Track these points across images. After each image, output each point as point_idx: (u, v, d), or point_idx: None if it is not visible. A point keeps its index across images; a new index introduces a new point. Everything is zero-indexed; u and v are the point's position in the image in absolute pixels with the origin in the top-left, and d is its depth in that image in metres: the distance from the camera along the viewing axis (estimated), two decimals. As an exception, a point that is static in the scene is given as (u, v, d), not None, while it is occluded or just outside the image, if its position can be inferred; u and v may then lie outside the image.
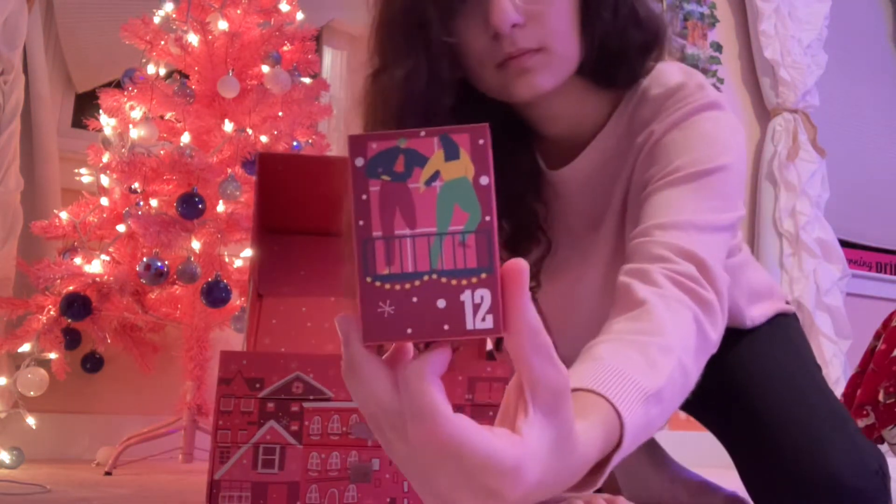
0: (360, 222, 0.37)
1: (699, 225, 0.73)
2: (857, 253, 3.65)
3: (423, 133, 0.37)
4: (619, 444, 0.50)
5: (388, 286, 0.37)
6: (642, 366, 0.58)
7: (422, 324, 0.37)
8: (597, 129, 0.89)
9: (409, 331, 0.37)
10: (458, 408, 0.94)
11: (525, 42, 0.78)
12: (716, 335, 0.68)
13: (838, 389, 2.78)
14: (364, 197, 0.37)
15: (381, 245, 0.37)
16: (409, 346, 0.40)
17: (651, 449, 1.23)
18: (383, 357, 0.41)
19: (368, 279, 0.37)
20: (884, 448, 2.10)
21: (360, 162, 0.37)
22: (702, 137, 0.80)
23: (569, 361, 0.73)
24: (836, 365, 2.95)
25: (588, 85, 0.87)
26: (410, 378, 0.38)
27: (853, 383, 2.22)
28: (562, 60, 0.81)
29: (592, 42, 0.82)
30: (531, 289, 0.75)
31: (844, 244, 3.29)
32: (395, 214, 0.37)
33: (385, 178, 0.37)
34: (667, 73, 0.87)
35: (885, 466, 0.89)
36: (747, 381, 0.96)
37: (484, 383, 0.96)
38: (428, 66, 0.79)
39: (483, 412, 0.95)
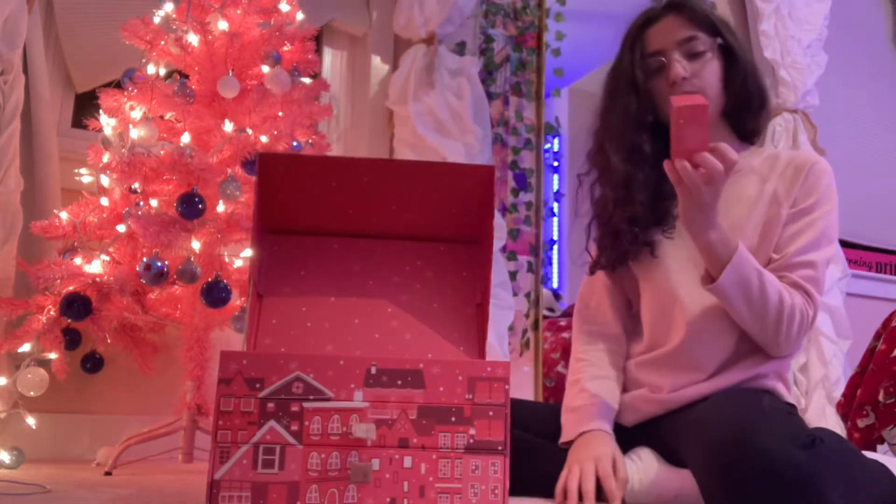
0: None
1: (819, 263, 1.24)
2: (857, 253, 3.65)
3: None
4: (729, 259, 1.14)
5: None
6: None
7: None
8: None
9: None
10: (457, 408, 0.94)
11: (689, 88, 1.28)
12: (811, 316, 1.20)
13: (838, 389, 2.78)
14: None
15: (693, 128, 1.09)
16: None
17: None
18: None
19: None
20: (883, 448, 2.10)
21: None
22: (828, 186, 1.33)
23: (658, 313, 1.31)
24: (836, 365, 2.95)
25: (725, 126, 1.36)
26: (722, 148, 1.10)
27: (853, 383, 2.21)
28: (711, 101, 1.28)
29: (730, 94, 1.33)
30: (664, 233, 1.32)
31: (844, 244, 3.28)
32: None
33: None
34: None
35: (822, 439, 0.93)
36: (700, 413, 1.13)
37: (484, 383, 0.96)
38: (637, 102, 1.33)
39: (483, 411, 0.95)
